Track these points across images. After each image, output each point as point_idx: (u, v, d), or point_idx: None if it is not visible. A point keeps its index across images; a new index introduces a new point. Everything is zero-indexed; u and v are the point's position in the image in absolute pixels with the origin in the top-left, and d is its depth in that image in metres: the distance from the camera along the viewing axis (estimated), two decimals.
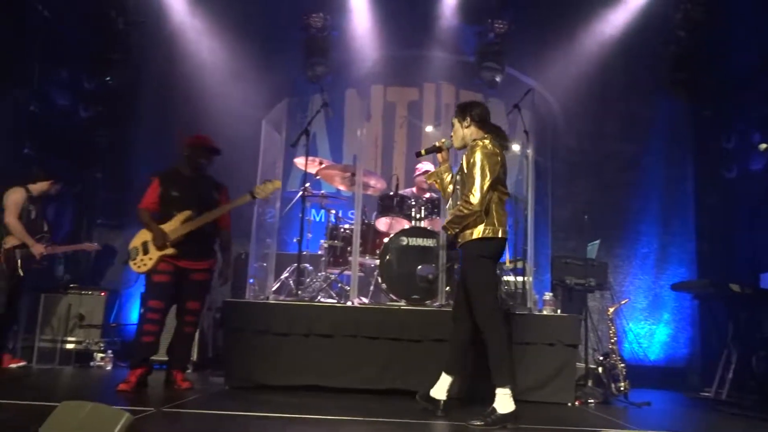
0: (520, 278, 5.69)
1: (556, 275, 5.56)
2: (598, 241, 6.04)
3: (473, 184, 3.77)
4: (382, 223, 5.93)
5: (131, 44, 7.33)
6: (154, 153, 7.24)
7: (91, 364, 6.04)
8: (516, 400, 3.72)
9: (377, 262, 5.38)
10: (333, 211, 6.21)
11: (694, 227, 7.48)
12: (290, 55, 7.74)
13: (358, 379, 4.68)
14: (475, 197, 3.75)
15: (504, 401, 3.66)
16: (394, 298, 5.24)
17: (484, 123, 4.04)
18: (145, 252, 4.62)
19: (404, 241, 5.31)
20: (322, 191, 6.47)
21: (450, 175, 4.22)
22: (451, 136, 4.14)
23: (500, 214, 3.88)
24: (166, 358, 4.95)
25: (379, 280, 5.32)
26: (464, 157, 3.94)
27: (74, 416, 2.51)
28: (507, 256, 5.57)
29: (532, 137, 5.41)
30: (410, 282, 5.20)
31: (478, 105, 4.12)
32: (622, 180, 7.65)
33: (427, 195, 6.06)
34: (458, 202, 3.89)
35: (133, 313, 7.03)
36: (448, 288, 5.13)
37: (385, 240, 5.36)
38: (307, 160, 5.66)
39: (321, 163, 6.20)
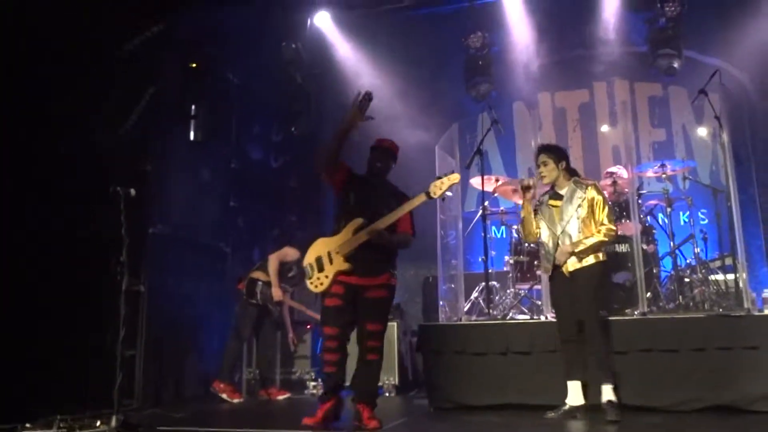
0: (730, 276, 5.21)
1: None
2: None
3: (605, 216, 4.29)
4: None
5: (309, 95, 7.97)
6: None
7: (305, 392, 6.52)
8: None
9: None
10: (514, 227, 6.16)
11: None
12: (454, 78, 7.89)
13: (562, 396, 4.53)
14: (613, 226, 4.30)
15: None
16: None
17: (569, 166, 4.54)
18: (320, 269, 4.19)
19: None
20: (501, 208, 6.47)
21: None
22: (540, 173, 4.45)
23: None
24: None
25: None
26: (573, 195, 4.35)
27: None
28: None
29: (725, 122, 4.95)
30: (606, 291, 4.97)
31: (564, 150, 4.59)
32: None
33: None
34: (599, 230, 4.25)
35: None
36: (649, 294, 4.83)
37: None
38: (483, 179, 5.70)
39: (497, 181, 6.21)
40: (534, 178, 4.54)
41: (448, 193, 4.24)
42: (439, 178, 4.12)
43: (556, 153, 4.48)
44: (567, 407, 4.19)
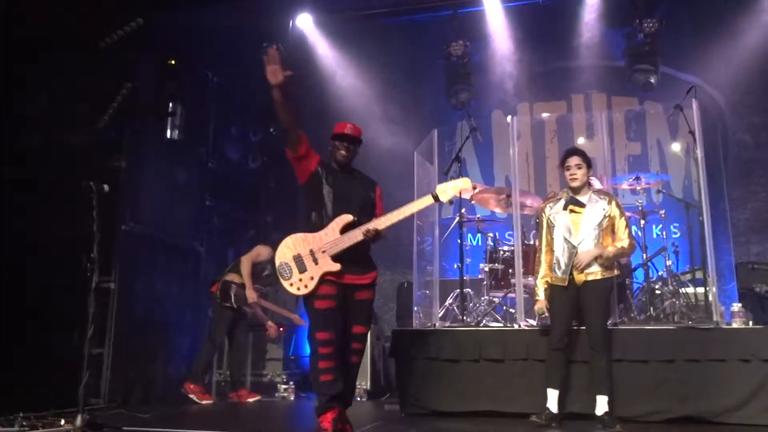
0: (701, 289, 5.29)
1: (743, 283, 5.11)
2: None
3: (627, 232, 4.30)
4: None
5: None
6: None
7: (276, 395, 6.46)
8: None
9: None
10: (490, 235, 6.19)
11: None
12: (434, 85, 7.93)
13: (533, 405, 4.55)
14: (634, 242, 4.36)
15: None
16: None
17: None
18: (302, 269, 3.76)
19: None
20: (478, 215, 6.49)
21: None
22: (573, 175, 4.33)
23: None
24: None
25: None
26: (596, 206, 4.31)
27: None
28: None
29: (700, 137, 5.03)
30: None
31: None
32: None
33: None
34: (621, 243, 4.29)
35: (308, 346, 7.43)
36: (621, 305, 4.89)
37: None
38: None
39: (474, 188, 6.22)
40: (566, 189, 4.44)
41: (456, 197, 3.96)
42: (452, 181, 3.89)
43: (587, 159, 4.39)
44: (548, 412, 4.20)
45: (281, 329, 6.78)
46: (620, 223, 4.29)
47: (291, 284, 3.74)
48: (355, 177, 4.04)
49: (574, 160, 4.33)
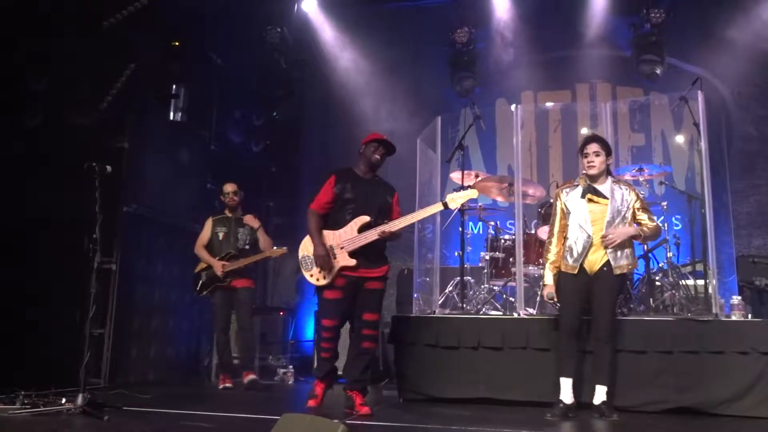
0: (700, 281, 5.30)
1: (743, 276, 5.12)
2: None
3: (648, 215, 4.25)
4: (543, 232, 5.79)
5: (293, 81, 7.91)
6: (319, 178, 7.70)
7: (275, 379, 6.48)
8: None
9: (542, 271, 5.27)
10: (491, 223, 6.19)
11: None
12: (439, 72, 7.89)
13: (530, 392, 4.59)
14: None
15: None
16: None
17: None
18: None
19: None
20: (480, 204, 6.48)
21: None
22: (590, 163, 4.22)
23: None
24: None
25: None
26: (618, 197, 4.22)
27: (296, 427, 2.66)
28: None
29: (704, 129, 5.02)
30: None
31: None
32: None
33: None
34: (654, 222, 4.27)
35: (308, 331, 7.48)
36: (621, 296, 4.89)
37: None
38: (463, 174, 5.71)
39: (477, 176, 6.21)
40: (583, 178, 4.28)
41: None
42: (460, 191, 4.35)
43: (607, 146, 4.29)
44: (562, 405, 4.11)
45: (280, 313, 6.81)
46: (642, 207, 4.25)
47: (311, 275, 4.30)
48: (376, 182, 4.50)
49: (592, 147, 4.21)
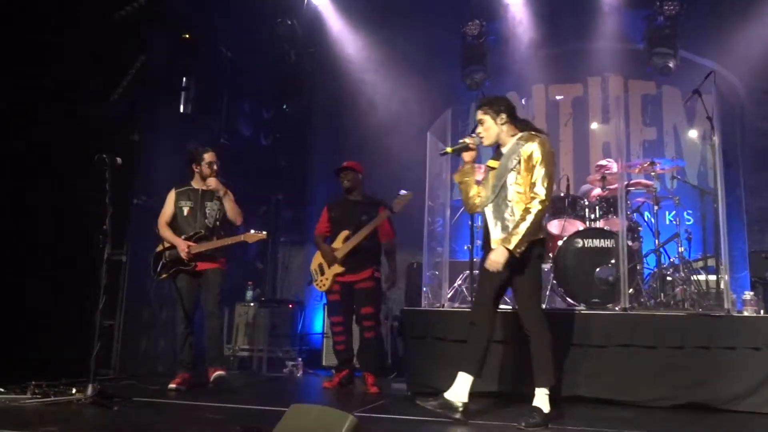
0: (712, 277, 5.26)
1: (756, 272, 5.07)
2: None
3: (538, 178, 3.61)
4: (554, 226, 5.77)
5: (303, 74, 7.90)
6: (329, 172, 7.70)
7: (284, 371, 6.50)
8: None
9: (552, 265, 5.25)
10: None
11: None
12: (450, 65, 7.85)
13: None
14: (543, 191, 3.59)
15: (546, 401, 3.71)
16: (572, 302, 5.07)
17: (515, 118, 3.86)
18: (322, 273, 5.36)
19: (579, 243, 5.14)
20: None
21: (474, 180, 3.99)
22: (479, 134, 3.89)
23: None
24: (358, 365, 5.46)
25: (556, 284, 5.18)
26: (506, 155, 3.77)
27: (304, 418, 2.67)
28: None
29: (717, 123, 4.96)
30: (589, 285, 5.01)
31: (505, 99, 3.94)
32: None
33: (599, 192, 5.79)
34: (525, 205, 3.62)
35: (317, 324, 7.49)
36: (631, 290, 4.86)
37: (559, 243, 5.22)
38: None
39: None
40: (474, 137, 3.91)
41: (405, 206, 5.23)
42: (400, 196, 5.21)
43: (492, 106, 3.80)
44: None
45: (290, 306, 6.81)
46: (527, 172, 3.67)
47: (316, 283, 5.41)
48: (356, 203, 5.40)
49: (477, 117, 3.88)
